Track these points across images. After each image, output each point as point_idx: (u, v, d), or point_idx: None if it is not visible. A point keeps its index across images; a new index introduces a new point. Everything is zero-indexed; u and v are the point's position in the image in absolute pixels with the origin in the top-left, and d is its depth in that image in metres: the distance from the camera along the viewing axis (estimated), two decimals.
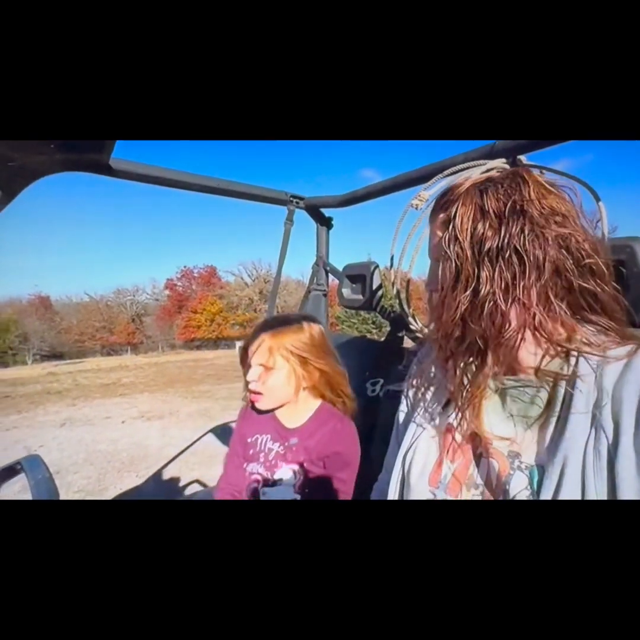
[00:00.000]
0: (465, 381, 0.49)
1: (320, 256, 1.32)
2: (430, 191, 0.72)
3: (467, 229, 0.45)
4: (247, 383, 0.86)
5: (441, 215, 0.50)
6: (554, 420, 0.44)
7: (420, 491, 0.52)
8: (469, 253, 0.44)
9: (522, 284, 0.42)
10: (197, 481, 2.93)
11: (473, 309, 0.44)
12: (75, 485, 3.18)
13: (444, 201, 0.50)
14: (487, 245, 0.43)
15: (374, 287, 1.01)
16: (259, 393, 0.85)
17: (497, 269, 0.43)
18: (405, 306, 0.83)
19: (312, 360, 0.85)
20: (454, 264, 0.45)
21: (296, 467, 0.83)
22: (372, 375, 1.00)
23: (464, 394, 0.48)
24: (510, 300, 0.43)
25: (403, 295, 0.81)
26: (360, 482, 0.81)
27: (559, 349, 0.46)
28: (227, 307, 28.58)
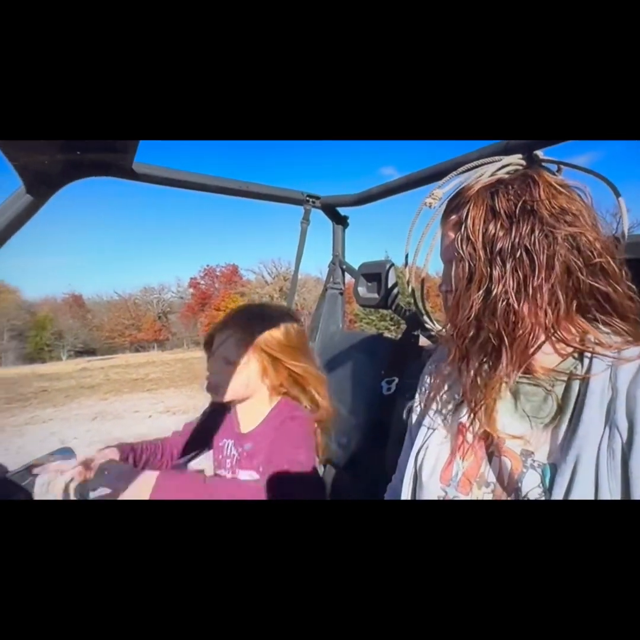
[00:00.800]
0: (479, 381, 0.49)
1: (337, 255, 1.32)
2: (444, 189, 0.71)
3: (478, 230, 0.45)
4: (208, 373, 0.80)
5: (453, 217, 0.51)
6: (567, 419, 0.44)
7: (431, 489, 0.53)
8: (481, 253, 0.45)
9: (533, 283, 0.42)
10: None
11: (486, 308, 0.45)
12: None
13: (455, 203, 0.51)
14: (499, 245, 0.44)
15: (389, 285, 1.00)
16: (217, 385, 0.79)
17: (509, 269, 0.43)
18: (419, 304, 0.82)
19: (284, 361, 0.78)
20: (467, 264, 0.46)
21: (252, 472, 0.78)
22: (388, 374, 1.00)
23: (478, 394, 0.49)
24: (522, 299, 0.43)
25: (418, 294, 0.81)
26: (375, 481, 0.82)
27: (570, 349, 0.46)
28: None
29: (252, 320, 0.80)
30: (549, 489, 0.42)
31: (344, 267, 1.30)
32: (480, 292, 0.45)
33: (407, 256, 0.79)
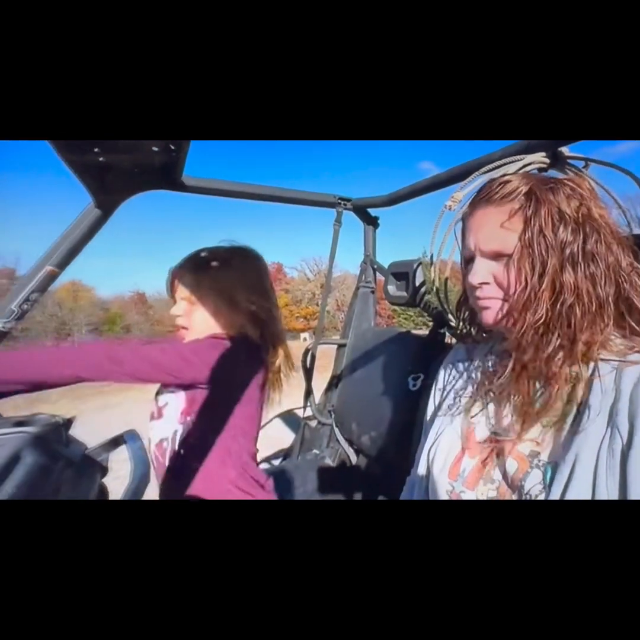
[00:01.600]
0: (539, 386, 0.48)
1: (368, 254, 1.35)
2: (464, 191, 0.72)
3: (551, 228, 0.44)
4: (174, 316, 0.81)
5: (509, 207, 0.47)
6: (571, 419, 0.45)
7: (440, 484, 0.55)
8: (557, 250, 0.44)
9: (603, 288, 0.44)
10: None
11: (561, 311, 0.44)
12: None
13: (502, 193, 0.47)
14: (568, 249, 0.44)
15: (417, 284, 1.02)
16: (184, 328, 0.80)
17: (580, 274, 0.44)
18: (444, 303, 0.84)
19: (239, 298, 0.78)
20: (538, 259, 0.44)
21: (180, 393, 0.78)
22: (414, 370, 1.02)
23: (546, 404, 0.46)
24: (595, 304, 0.44)
25: (442, 293, 0.82)
26: (402, 472, 0.84)
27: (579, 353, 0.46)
28: (292, 301, 29.51)
29: (204, 259, 0.80)
30: (549, 487, 0.43)
31: (375, 266, 1.33)
32: (549, 291, 0.44)
33: (432, 256, 0.81)
